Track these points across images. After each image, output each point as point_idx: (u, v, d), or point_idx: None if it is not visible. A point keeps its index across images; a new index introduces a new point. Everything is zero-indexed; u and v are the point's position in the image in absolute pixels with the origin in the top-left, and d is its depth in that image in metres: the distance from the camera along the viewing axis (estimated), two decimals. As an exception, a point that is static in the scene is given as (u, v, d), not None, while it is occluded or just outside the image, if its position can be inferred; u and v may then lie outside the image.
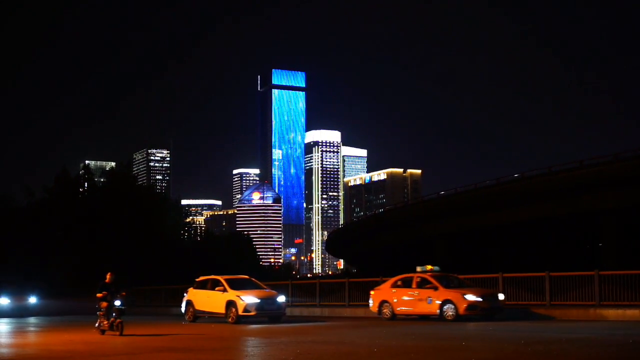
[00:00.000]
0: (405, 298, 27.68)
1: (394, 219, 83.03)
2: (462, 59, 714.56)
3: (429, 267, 28.69)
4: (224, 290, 28.41)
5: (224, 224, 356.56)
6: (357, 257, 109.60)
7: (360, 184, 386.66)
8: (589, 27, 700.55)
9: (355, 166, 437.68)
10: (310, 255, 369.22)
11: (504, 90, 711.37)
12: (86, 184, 71.28)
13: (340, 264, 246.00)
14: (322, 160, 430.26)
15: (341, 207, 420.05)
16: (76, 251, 59.22)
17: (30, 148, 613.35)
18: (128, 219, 62.81)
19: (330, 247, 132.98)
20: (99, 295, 22.38)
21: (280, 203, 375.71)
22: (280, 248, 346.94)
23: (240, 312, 27.40)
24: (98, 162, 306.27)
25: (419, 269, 28.59)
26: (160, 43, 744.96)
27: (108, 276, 22.83)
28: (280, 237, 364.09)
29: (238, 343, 19.79)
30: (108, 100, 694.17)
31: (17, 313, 41.09)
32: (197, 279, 31.60)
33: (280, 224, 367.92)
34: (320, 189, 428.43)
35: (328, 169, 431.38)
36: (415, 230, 76.01)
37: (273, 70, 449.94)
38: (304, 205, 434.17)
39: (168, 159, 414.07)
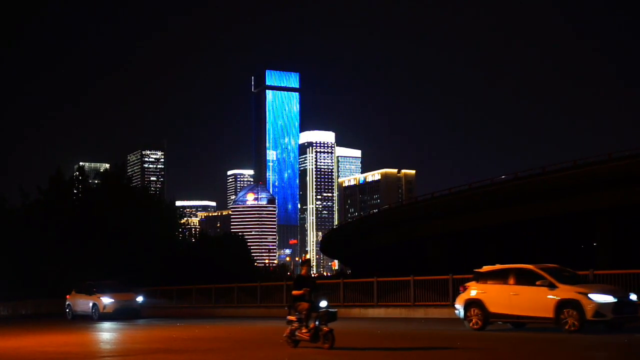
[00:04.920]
0: None
1: (388, 220, 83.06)
2: (456, 60, 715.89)
3: None
4: (550, 285, 20.03)
5: (218, 225, 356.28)
6: (352, 258, 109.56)
7: (355, 185, 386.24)
8: (585, 25, 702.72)
9: (349, 167, 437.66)
10: (305, 256, 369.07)
11: (499, 91, 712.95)
12: (80, 185, 70.96)
13: (335, 264, 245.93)
14: (316, 161, 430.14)
15: (336, 207, 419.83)
16: (70, 253, 59.02)
17: (25, 149, 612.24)
18: (122, 221, 62.62)
19: (325, 248, 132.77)
20: (295, 292, 16.74)
21: (274, 204, 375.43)
22: (275, 249, 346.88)
23: (589, 317, 19.20)
24: (92, 163, 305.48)
25: None
26: (154, 44, 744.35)
27: (304, 269, 17.49)
28: (275, 238, 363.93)
29: None
30: (103, 101, 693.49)
31: (123, 315, 35.28)
32: (477, 270, 22.86)
33: (274, 224, 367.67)
34: (314, 190, 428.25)
35: (322, 170, 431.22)
36: (409, 230, 76.04)
37: (267, 71, 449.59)
38: (299, 205, 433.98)
39: (162, 160, 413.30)
